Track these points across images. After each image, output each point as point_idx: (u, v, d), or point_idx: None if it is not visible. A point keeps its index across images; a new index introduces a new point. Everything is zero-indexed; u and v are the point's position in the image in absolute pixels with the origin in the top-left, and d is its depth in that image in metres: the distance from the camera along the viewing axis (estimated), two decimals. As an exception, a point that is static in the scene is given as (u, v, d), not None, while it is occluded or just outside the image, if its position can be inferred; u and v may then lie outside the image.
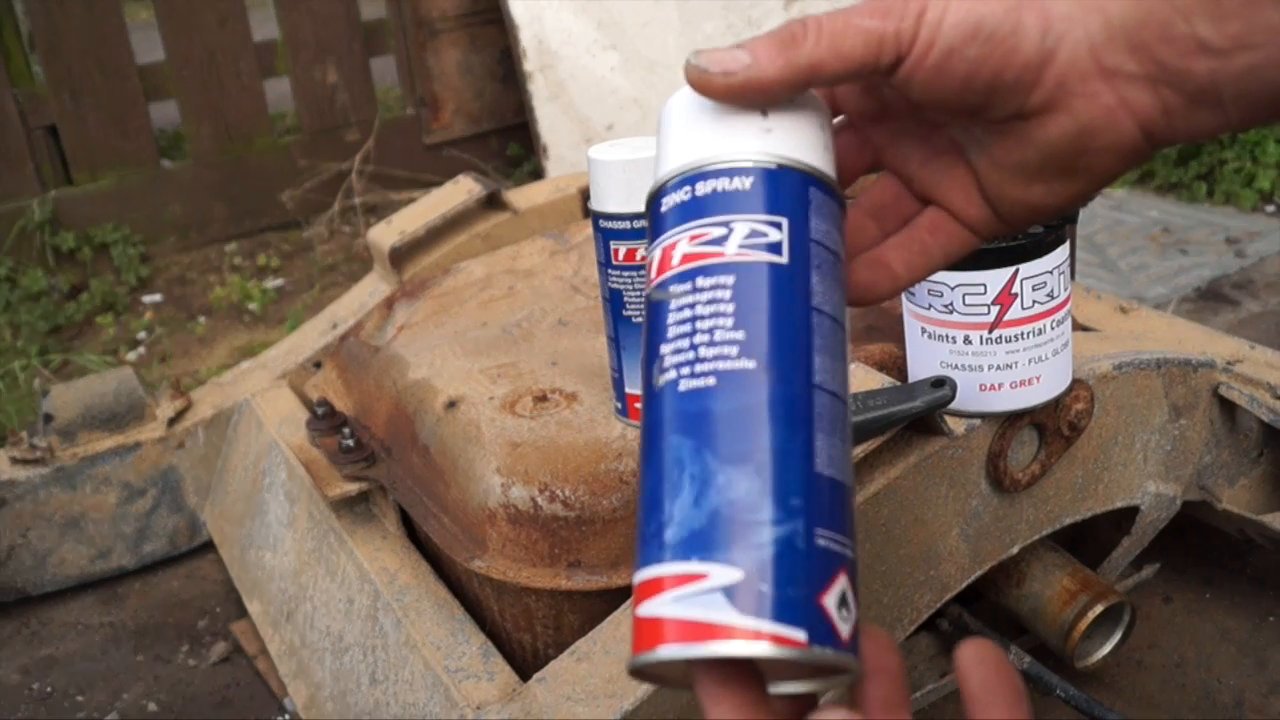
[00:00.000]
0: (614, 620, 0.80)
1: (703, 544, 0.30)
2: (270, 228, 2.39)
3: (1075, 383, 0.84)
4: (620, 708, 0.74)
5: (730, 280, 0.33)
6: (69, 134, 2.20)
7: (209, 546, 1.27)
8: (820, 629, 0.30)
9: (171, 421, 1.24)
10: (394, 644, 0.91)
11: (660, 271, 0.35)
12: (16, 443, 1.21)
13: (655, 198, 0.36)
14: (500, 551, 0.87)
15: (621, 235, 0.82)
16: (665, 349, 0.34)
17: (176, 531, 1.27)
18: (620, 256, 0.82)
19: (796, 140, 0.36)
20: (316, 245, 2.32)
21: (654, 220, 0.36)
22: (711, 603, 0.29)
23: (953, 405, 0.79)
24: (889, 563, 0.81)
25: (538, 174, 2.37)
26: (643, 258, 0.82)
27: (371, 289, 1.30)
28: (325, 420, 1.09)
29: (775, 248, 0.34)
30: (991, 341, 0.79)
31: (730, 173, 0.34)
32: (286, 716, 1.04)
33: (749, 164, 0.35)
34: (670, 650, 0.29)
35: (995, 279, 0.77)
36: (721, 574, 0.29)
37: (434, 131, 2.50)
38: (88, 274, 2.18)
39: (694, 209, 0.34)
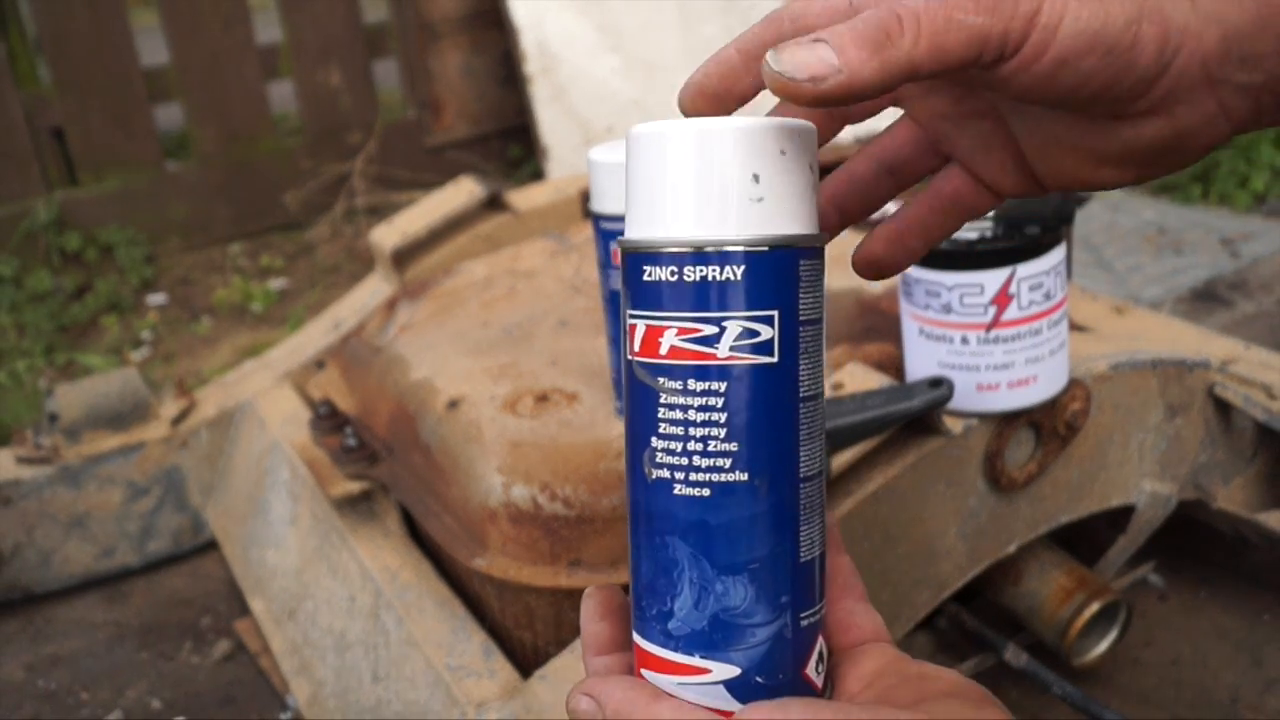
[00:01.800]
0: (614, 617, 0.80)
1: (705, 644, 0.34)
2: (273, 229, 2.40)
3: (1072, 382, 0.84)
4: (620, 703, 0.74)
5: (722, 387, 0.33)
6: (74, 136, 2.21)
7: (212, 545, 1.28)
8: (802, 694, 0.35)
9: (175, 421, 1.25)
10: (395, 642, 0.92)
11: (645, 351, 0.34)
12: (22, 442, 1.22)
13: (634, 258, 0.34)
14: (501, 550, 0.88)
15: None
16: (657, 443, 0.34)
17: (180, 530, 1.28)
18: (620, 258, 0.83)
19: (789, 206, 0.34)
20: (319, 246, 2.33)
21: (632, 281, 0.34)
22: (714, 694, 0.35)
23: (950, 405, 0.80)
24: (887, 561, 0.82)
25: (538, 175, 2.38)
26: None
27: (373, 289, 1.31)
28: (328, 420, 1.09)
29: (766, 347, 0.33)
30: (989, 341, 0.79)
31: (721, 259, 0.33)
32: (289, 714, 1.05)
33: (740, 249, 0.33)
34: None
35: (992, 279, 0.78)
36: (722, 671, 0.34)
37: (436, 133, 2.51)
38: (93, 274, 2.19)
39: (682, 296, 0.33)
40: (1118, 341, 0.97)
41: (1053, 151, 0.36)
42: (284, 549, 1.12)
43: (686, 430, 0.34)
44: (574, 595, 0.86)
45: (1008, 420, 0.83)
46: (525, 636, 0.90)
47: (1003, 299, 0.78)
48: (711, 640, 0.34)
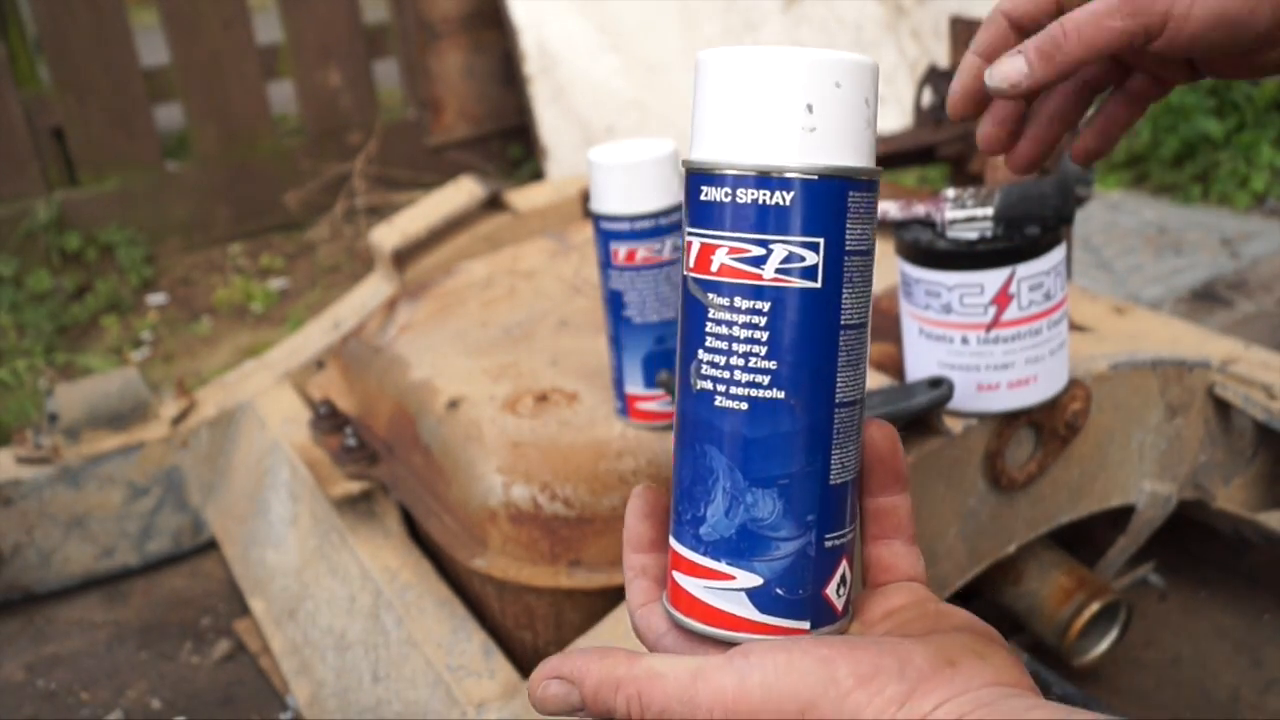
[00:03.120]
0: (614, 618, 0.80)
1: (731, 550, 0.36)
2: (273, 229, 2.40)
3: (1072, 382, 0.84)
4: (620, 703, 0.74)
5: (766, 306, 0.35)
6: (74, 136, 2.21)
7: (212, 545, 1.28)
8: (822, 615, 0.37)
9: (175, 421, 1.25)
10: (395, 642, 0.92)
11: (699, 267, 0.36)
12: (22, 442, 1.22)
13: (696, 177, 0.36)
14: (501, 550, 0.88)
15: (621, 236, 0.82)
16: (703, 355, 0.36)
17: (180, 530, 1.27)
18: (620, 258, 0.83)
19: (839, 139, 0.35)
20: (319, 246, 2.33)
21: (692, 199, 0.36)
22: (736, 600, 0.36)
23: (950, 405, 0.80)
24: (886, 561, 0.82)
25: (538, 176, 2.38)
26: (646, 258, 0.83)
27: (373, 289, 1.31)
28: (328, 420, 1.09)
29: (810, 272, 0.35)
30: (989, 342, 0.79)
31: (771, 184, 0.35)
32: (289, 714, 1.05)
33: (792, 175, 0.35)
34: (700, 627, 0.37)
35: (992, 279, 0.78)
36: (745, 578, 0.36)
37: (436, 134, 2.51)
38: (93, 275, 2.19)
39: (735, 216, 0.35)
40: (1118, 341, 0.97)
41: (1216, 64, 0.46)
42: (284, 549, 1.12)
43: (730, 345, 0.35)
44: (574, 595, 0.86)
45: (1008, 420, 0.83)
46: (525, 636, 0.90)
47: (1003, 299, 0.78)
48: (738, 548, 0.36)
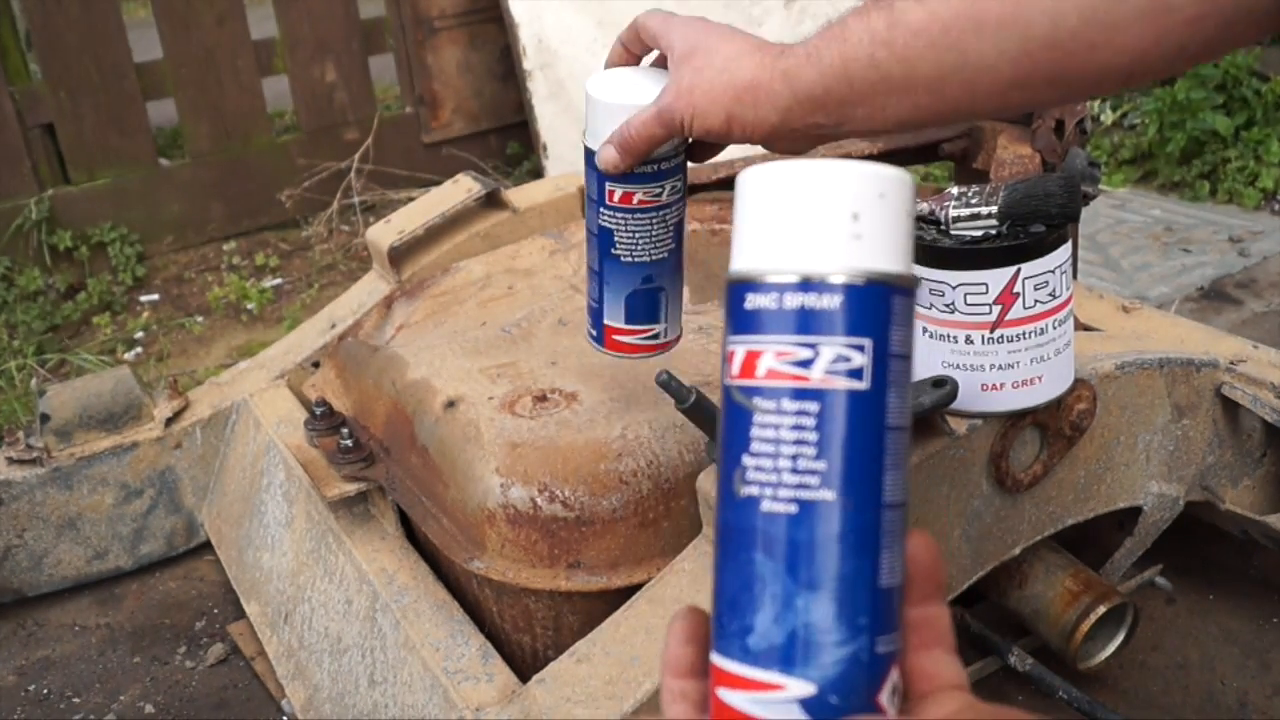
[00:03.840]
0: (614, 622, 0.79)
1: (782, 659, 0.35)
2: (268, 227, 2.38)
3: (1077, 382, 0.83)
4: (620, 709, 0.73)
5: (815, 408, 0.35)
6: (66, 132, 2.19)
7: (206, 547, 1.26)
8: None
9: (169, 421, 1.23)
10: (392, 645, 0.91)
11: (743, 374, 0.36)
12: (13, 443, 1.20)
13: (740, 286, 0.37)
14: (499, 552, 0.87)
15: (620, 179, 0.76)
16: (749, 461, 0.36)
17: (174, 532, 1.26)
18: (615, 198, 0.77)
19: (885, 245, 0.36)
20: (315, 244, 2.31)
21: (736, 309, 0.37)
22: (787, 710, 0.35)
23: (954, 405, 0.79)
24: (891, 564, 0.81)
25: (537, 173, 2.37)
26: (643, 201, 0.77)
27: (370, 288, 1.30)
28: (323, 420, 1.08)
29: (858, 373, 0.36)
30: (993, 341, 0.78)
31: (819, 288, 0.36)
32: (285, 718, 1.04)
33: (839, 280, 0.36)
34: None
35: (997, 278, 0.77)
36: (797, 687, 0.35)
37: (433, 130, 2.50)
38: (85, 273, 2.17)
39: (781, 321, 0.36)
40: (1124, 341, 0.96)
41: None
42: (279, 551, 1.11)
43: (778, 449, 0.36)
44: (573, 598, 0.85)
45: (1012, 421, 0.82)
46: (524, 640, 0.89)
47: (1007, 298, 0.77)
48: (789, 656, 0.35)
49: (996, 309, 0.77)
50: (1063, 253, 0.79)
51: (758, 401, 0.36)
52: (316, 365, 1.26)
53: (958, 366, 0.80)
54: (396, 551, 0.98)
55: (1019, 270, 0.76)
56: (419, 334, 1.13)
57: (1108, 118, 2.47)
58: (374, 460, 1.01)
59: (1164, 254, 1.90)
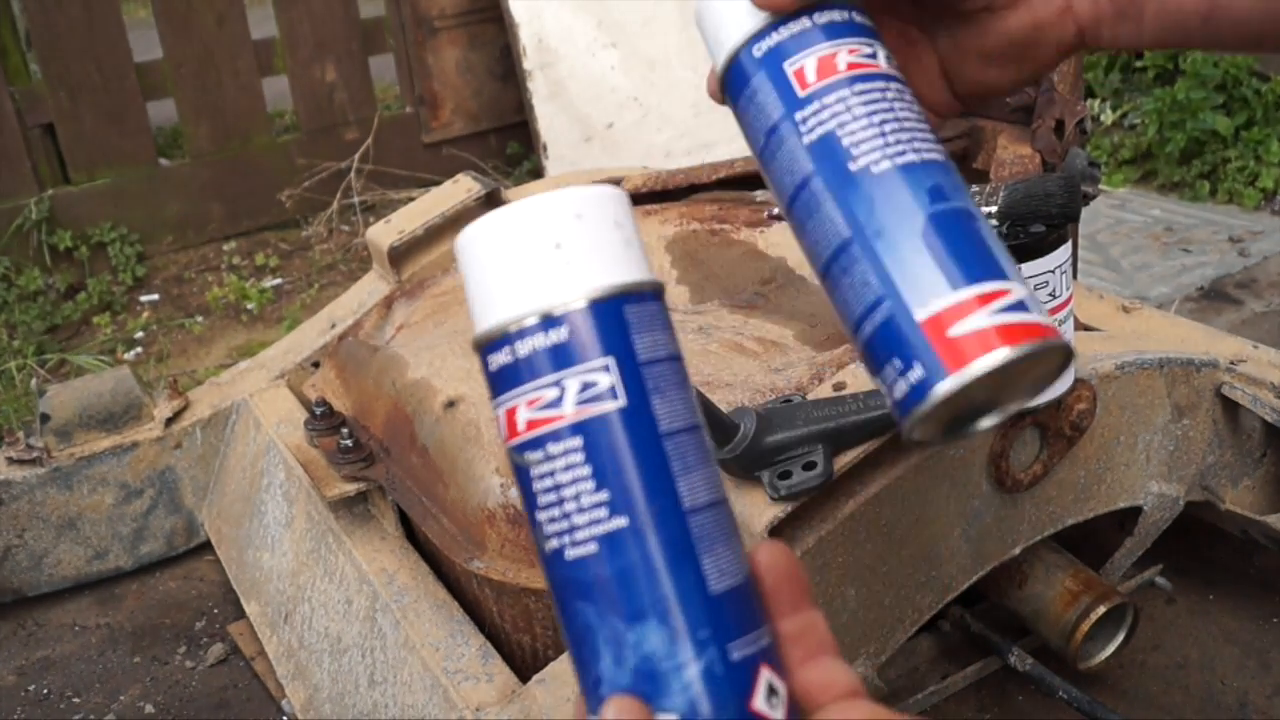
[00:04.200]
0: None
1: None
2: (268, 227, 2.38)
3: (1077, 382, 0.83)
4: (620, 710, 0.73)
5: (578, 443, 0.35)
6: (66, 132, 2.19)
7: (206, 547, 1.26)
8: None
9: (169, 421, 1.23)
10: (392, 645, 0.91)
11: (510, 434, 0.36)
12: (13, 443, 1.20)
13: (482, 352, 0.37)
14: (499, 552, 0.87)
15: (806, 40, 0.44)
16: (541, 516, 0.35)
17: (174, 532, 1.26)
18: (811, 74, 0.43)
19: (596, 262, 0.36)
20: (315, 244, 2.31)
21: (486, 374, 0.37)
22: None
23: (955, 405, 0.78)
24: (890, 564, 0.81)
25: (537, 172, 2.37)
26: (854, 65, 0.45)
27: (370, 288, 1.30)
28: (323, 420, 1.08)
29: (610, 393, 0.35)
30: (994, 341, 0.78)
31: (544, 327, 0.35)
32: (284, 718, 1.04)
33: (560, 312, 0.35)
34: None
35: (998, 278, 0.76)
36: None
37: (433, 130, 2.50)
38: (85, 273, 2.17)
39: (523, 371, 0.35)
40: (1124, 341, 0.96)
41: (956, 59, 0.48)
42: (279, 551, 1.11)
43: (559, 494, 0.35)
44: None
45: (1012, 421, 0.82)
46: (524, 640, 0.89)
47: (1009, 298, 0.77)
48: (643, 694, 0.34)
49: (997, 309, 0.77)
50: (1063, 253, 0.78)
51: (529, 456, 0.35)
52: (316, 365, 1.25)
53: (958, 366, 0.80)
54: (396, 551, 0.98)
55: (1019, 270, 0.76)
56: (419, 334, 1.13)
57: (1108, 118, 2.47)
58: (374, 460, 1.01)
59: (1164, 254, 1.90)
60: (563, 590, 0.35)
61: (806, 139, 0.41)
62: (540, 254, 0.36)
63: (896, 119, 0.41)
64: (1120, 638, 0.94)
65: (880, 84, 0.42)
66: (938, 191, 0.40)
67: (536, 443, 0.35)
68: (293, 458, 1.08)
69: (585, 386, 0.35)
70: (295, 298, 2.11)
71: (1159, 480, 0.93)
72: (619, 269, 0.36)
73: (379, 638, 0.93)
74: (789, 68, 0.42)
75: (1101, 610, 0.90)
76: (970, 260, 0.39)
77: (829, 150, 0.41)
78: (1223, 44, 0.44)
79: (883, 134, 0.41)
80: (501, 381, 0.36)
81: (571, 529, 0.35)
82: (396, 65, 2.48)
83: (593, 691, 0.35)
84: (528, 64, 2.30)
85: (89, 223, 2.21)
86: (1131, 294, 1.74)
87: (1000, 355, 0.37)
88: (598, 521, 0.34)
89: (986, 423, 0.41)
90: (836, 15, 0.43)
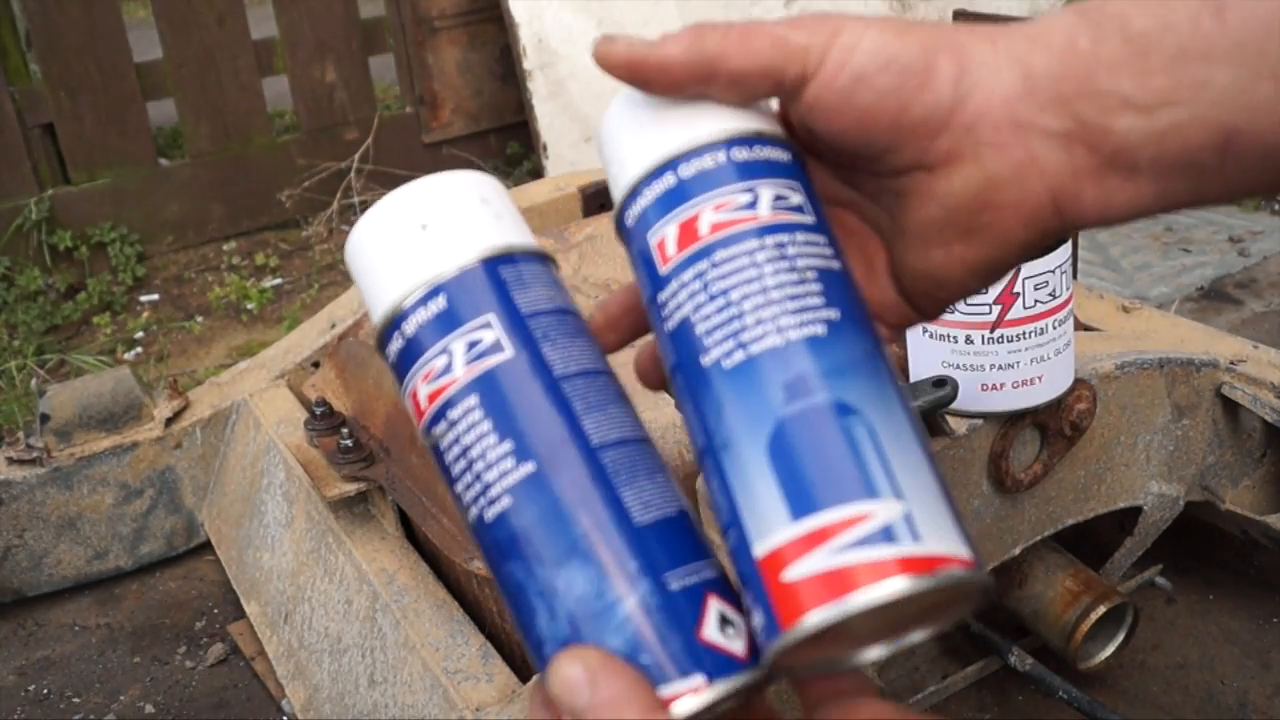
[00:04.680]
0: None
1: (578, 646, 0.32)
2: (268, 227, 2.38)
3: (1077, 382, 0.83)
4: (620, 710, 0.73)
5: (475, 400, 0.34)
6: (66, 132, 2.19)
7: (206, 547, 1.26)
8: (714, 663, 0.32)
9: (169, 421, 1.23)
10: (392, 645, 0.91)
11: (419, 416, 0.36)
12: (13, 443, 1.20)
13: (381, 349, 0.37)
14: (499, 553, 0.87)
15: (671, 201, 0.38)
16: (459, 489, 0.35)
17: (174, 532, 1.26)
18: (671, 245, 0.37)
19: (459, 231, 0.36)
20: (315, 244, 2.31)
21: (391, 369, 0.38)
22: None
23: (954, 405, 0.79)
24: (891, 564, 0.81)
25: (537, 173, 2.37)
26: (721, 224, 0.40)
27: (370, 288, 1.30)
28: (323, 420, 1.08)
29: (495, 347, 0.35)
30: (993, 341, 0.78)
31: (423, 299, 0.36)
32: (284, 718, 1.04)
33: (435, 283, 0.36)
34: None
35: (998, 278, 0.76)
36: None
37: (433, 130, 2.50)
38: (85, 273, 2.17)
39: (413, 349, 0.36)
40: (1124, 341, 0.96)
41: (898, 245, 0.37)
42: (279, 551, 1.11)
43: (468, 457, 0.34)
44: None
45: (1012, 421, 0.82)
46: (524, 641, 0.89)
47: (1007, 298, 0.77)
48: (581, 640, 0.32)
49: (996, 309, 0.77)
50: (1062, 253, 0.79)
51: (435, 431, 0.35)
52: (317, 365, 1.25)
53: (958, 366, 0.80)
54: (396, 551, 0.98)
55: (1019, 270, 0.77)
56: (419, 334, 1.13)
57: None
58: (374, 460, 1.01)
59: (1164, 254, 1.90)
60: (492, 556, 0.34)
61: (667, 326, 0.35)
62: (409, 238, 0.36)
63: (763, 289, 0.33)
64: (1120, 638, 0.94)
65: (750, 244, 0.34)
66: (797, 386, 0.32)
67: (439, 415, 0.35)
68: (293, 458, 1.08)
69: (471, 345, 0.35)
70: (295, 298, 2.11)
71: (1159, 480, 0.93)
72: (489, 237, 0.37)
73: (379, 638, 0.93)
74: (652, 240, 0.36)
75: (1101, 610, 0.90)
76: (819, 478, 0.31)
77: (684, 340, 0.34)
78: (1248, 184, 0.33)
79: (740, 315, 0.33)
80: (401, 367, 0.36)
81: (485, 488, 0.34)
82: (396, 65, 2.48)
83: (537, 654, 0.33)
84: (528, 64, 2.30)
85: (89, 223, 2.21)
86: (1131, 294, 1.74)
87: (833, 611, 0.30)
88: (507, 473, 0.34)
89: (875, 654, 0.34)
90: (715, 158, 0.35)
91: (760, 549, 0.31)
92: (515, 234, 0.38)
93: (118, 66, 2.19)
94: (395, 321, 0.36)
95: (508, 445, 0.34)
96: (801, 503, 0.31)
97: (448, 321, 0.35)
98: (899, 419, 0.33)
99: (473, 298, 0.35)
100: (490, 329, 0.35)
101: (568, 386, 0.35)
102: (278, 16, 2.33)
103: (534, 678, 0.35)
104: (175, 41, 2.23)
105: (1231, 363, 0.95)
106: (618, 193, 0.37)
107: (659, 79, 0.35)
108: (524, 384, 0.34)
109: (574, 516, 0.33)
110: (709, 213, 0.34)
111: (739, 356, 0.33)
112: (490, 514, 0.34)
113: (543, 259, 0.38)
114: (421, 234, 0.36)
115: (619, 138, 0.38)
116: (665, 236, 0.35)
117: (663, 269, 0.35)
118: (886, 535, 0.30)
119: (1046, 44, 0.32)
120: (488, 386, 0.34)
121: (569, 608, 0.32)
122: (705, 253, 0.34)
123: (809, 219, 0.35)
